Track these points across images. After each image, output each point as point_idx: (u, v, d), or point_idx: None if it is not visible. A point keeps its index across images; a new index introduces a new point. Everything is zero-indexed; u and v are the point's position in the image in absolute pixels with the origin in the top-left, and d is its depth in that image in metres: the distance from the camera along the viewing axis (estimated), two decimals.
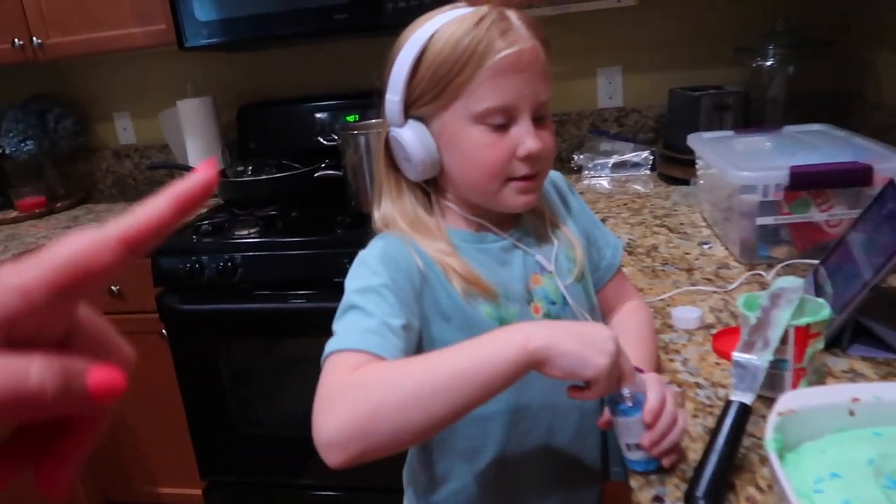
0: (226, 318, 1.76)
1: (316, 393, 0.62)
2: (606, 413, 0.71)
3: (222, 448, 1.89)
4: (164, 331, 1.80)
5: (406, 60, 0.75)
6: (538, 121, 0.76)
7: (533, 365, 0.59)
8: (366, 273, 0.74)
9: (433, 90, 0.74)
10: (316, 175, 1.89)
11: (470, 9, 0.75)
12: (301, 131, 2.17)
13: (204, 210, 2.05)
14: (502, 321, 0.80)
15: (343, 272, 1.60)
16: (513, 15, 0.75)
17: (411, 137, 0.76)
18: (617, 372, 0.62)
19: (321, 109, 2.17)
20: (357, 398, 0.59)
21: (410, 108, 0.77)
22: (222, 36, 1.87)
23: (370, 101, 2.08)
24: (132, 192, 2.49)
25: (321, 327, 1.67)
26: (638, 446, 0.67)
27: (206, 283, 1.72)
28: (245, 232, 1.78)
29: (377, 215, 0.83)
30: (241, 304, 1.72)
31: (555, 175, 0.93)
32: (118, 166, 2.50)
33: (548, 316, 0.83)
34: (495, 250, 0.82)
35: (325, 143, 1.93)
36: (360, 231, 1.70)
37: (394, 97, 0.77)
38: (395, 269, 0.74)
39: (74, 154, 2.48)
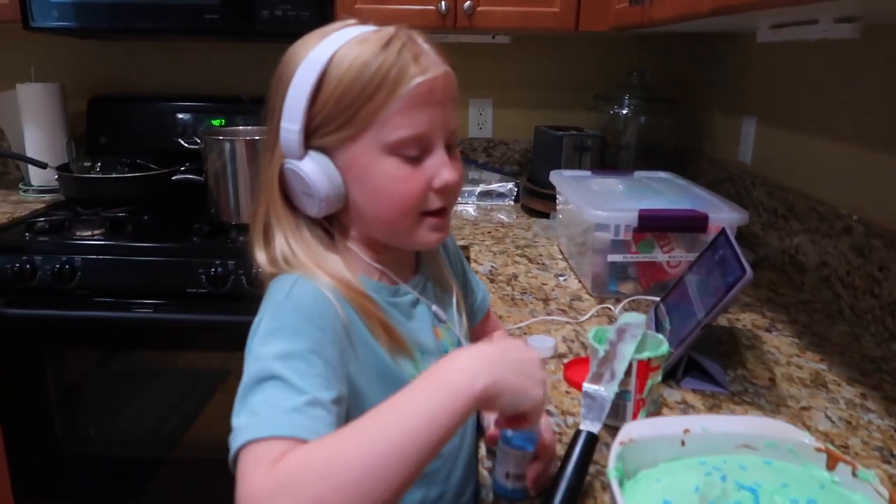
0: (58, 325, 1.60)
1: (237, 495, 0.50)
2: (492, 430, 0.70)
3: (43, 468, 1.71)
4: None
5: (304, 84, 0.66)
6: (449, 150, 0.71)
7: (480, 406, 0.56)
8: (286, 332, 0.61)
9: (339, 118, 0.67)
10: (174, 178, 1.78)
11: (370, 28, 0.69)
12: (160, 131, 2.04)
13: (41, 206, 1.87)
14: None
15: (198, 283, 1.56)
16: (419, 38, 0.70)
17: (314, 171, 0.68)
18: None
19: (184, 110, 2.06)
20: (298, 494, 0.48)
21: (311, 138, 0.68)
22: (76, 20, 1.73)
23: (236, 106, 2.04)
24: None
25: (170, 340, 1.60)
26: (518, 477, 0.69)
27: (37, 285, 1.56)
28: (88, 233, 1.64)
29: (263, 256, 0.71)
30: (77, 312, 1.57)
31: None
32: None
33: None
34: (405, 304, 0.77)
35: (186, 145, 1.83)
36: (218, 240, 1.62)
37: (292, 126, 0.67)
38: (319, 328, 0.62)
39: None
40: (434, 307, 0.80)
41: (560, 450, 0.77)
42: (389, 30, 0.68)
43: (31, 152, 1.95)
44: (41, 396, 1.66)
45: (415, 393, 0.54)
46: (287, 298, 0.64)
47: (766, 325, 1.15)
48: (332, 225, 0.73)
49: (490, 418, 0.81)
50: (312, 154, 0.69)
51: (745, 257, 0.92)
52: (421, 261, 0.82)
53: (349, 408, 0.64)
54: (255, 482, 0.50)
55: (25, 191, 2.01)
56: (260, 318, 0.63)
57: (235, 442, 0.53)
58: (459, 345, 0.81)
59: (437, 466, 0.77)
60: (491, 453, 0.78)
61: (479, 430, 0.85)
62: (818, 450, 0.65)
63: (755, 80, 1.66)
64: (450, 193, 0.72)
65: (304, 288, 0.66)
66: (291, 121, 0.67)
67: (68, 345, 1.66)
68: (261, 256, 0.71)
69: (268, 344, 0.60)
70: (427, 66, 0.67)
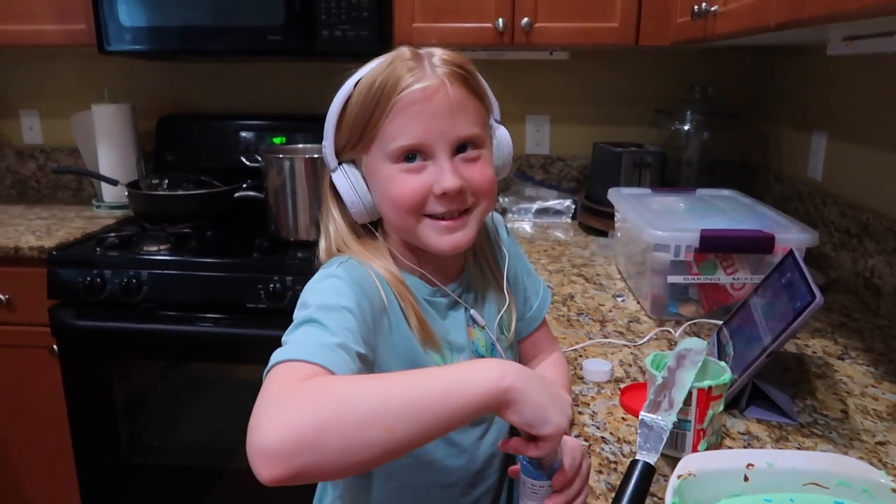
0: (125, 337, 1.66)
1: (258, 398, 0.56)
2: (516, 465, 0.70)
3: (109, 476, 1.76)
4: (55, 346, 1.68)
5: (334, 109, 0.77)
6: (466, 155, 0.75)
7: (500, 404, 0.58)
8: (331, 291, 0.70)
9: (355, 135, 0.75)
10: (236, 195, 1.83)
11: (394, 52, 0.76)
12: (223, 149, 2.11)
13: (112, 222, 1.95)
14: None
15: (257, 298, 1.59)
16: (436, 53, 0.75)
17: (342, 182, 0.78)
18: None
19: (246, 128, 2.12)
20: (310, 406, 0.53)
21: (343, 154, 0.78)
22: (148, 44, 1.80)
23: (298, 124, 2.08)
24: (33, 194, 2.34)
25: (229, 353, 1.63)
26: None
27: (106, 298, 1.63)
28: (154, 248, 1.70)
29: (323, 243, 0.81)
30: (144, 324, 1.63)
31: (498, 219, 0.94)
32: (20, 166, 2.34)
33: None
34: (442, 305, 0.83)
35: (247, 163, 1.88)
36: (277, 256, 1.66)
37: (325, 143, 0.79)
38: (361, 296, 0.71)
39: None
40: (472, 311, 0.85)
41: (615, 479, 0.74)
42: (400, 49, 0.75)
43: (103, 170, 2.04)
44: (108, 405, 1.71)
45: (444, 369, 0.61)
46: (337, 269, 0.74)
47: (838, 352, 1.09)
48: (376, 229, 0.82)
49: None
50: (344, 167, 0.78)
51: (814, 281, 0.87)
52: (466, 266, 0.86)
53: None
54: (282, 388, 0.57)
55: (98, 206, 2.10)
56: (312, 279, 0.73)
57: (272, 360, 0.61)
58: (493, 347, 0.86)
59: (453, 453, 0.83)
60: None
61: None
62: None
63: (825, 94, 1.59)
64: (455, 199, 0.74)
65: (352, 266, 0.75)
66: (326, 139, 0.79)
67: (134, 356, 1.71)
68: (321, 244, 0.81)
69: (313, 297, 0.69)
70: (421, 76, 0.72)
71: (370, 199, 0.78)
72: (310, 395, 0.54)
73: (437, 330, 0.80)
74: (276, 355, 0.61)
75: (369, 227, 0.82)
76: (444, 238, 0.76)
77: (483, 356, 0.85)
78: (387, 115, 0.72)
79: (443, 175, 0.73)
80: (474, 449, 0.85)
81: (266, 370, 0.60)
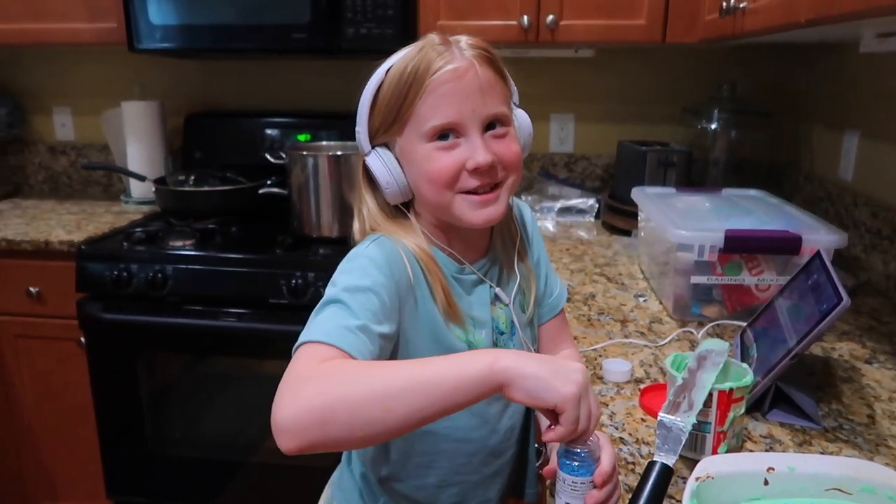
0: (150, 330, 1.69)
1: (284, 375, 0.63)
2: (553, 462, 0.69)
3: (133, 466, 1.80)
4: (82, 339, 1.71)
5: (367, 94, 0.80)
6: (494, 132, 0.79)
7: (497, 385, 0.60)
8: (358, 271, 0.75)
9: (389, 118, 0.79)
10: (260, 192, 1.85)
11: (423, 39, 0.80)
12: (249, 145, 2.13)
13: (139, 217, 1.98)
14: (471, 345, 0.85)
15: (280, 294, 1.61)
16: (462, 38, 0.79)
17: (376, 164, 0.81)
18: (587, 407, 0.61)
19: (272, 126, 2.14)
20: (320, 387, 0.60)
21: (376, 137, 0.82)
22: (176, 42, 1.83)
23: (322, 121, 2.10)
24: (65, 190, 2.39)
25: (252, 348, 1.65)
26: None
27: (132, 292, 1.66)
28: (180, 243, 1.72)
29: (357, 225, 0.85)
30: (168, 318, 1.65)
31: (523, 205, 0.99)
32: (53, 162, 2.39)
33: (495, 345, 0.87)
34: (468, 282, 0.87)
35: (272, 160, 1.89)
36: (300, 253, 1.67)
37: (359, 128, 0.83)
38: (387, 275, 0.75)
39: (6, 145, 2.36)
40: (497, 289, 0.88)
41: (633, 480, 0.73)
42: (429, 36, 0.79)
43: (132, 166, 2.08)
44: (133, 397, 1.75)
45: (447, 357, 0.63)
46: (367, 248, 0.79)
47: (866, 355, 1.06)
48: (408, 210, 0.86)
49: (543, 424, 0.86)
50: (378, 150, 0.82)
51: (841, 283, 0.85)
52: (492, 244, 0.90)
53: (399, 353, 0.78)
54: (302, 368, 0.64)
55: (126, 202, 2.14)
56: (344, 258, 0.79)
57: (301, 339, 0.68)
58: (512, 324, 0.90)
59: (474, 424, 0.87)
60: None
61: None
62: None
63: (858, 93, 1.55)
64: (487, 173, 0.78)
65: (382, 243, 0.80)
66: (359, 124, 0.83)
67: (159, 349, 1.74)
68: (355, 225, 0.86)
69: (341, 278, 0.75)
70: (451, 58, 0.76)
71: (404, 180, 0.82)
72: (322, 378, 0.62)
73: (462, 305, 0.84)
74: (304, 334, 0.68)
75: (402, 209, 0.86)
76: (477, 212, 0.80)
77: (503, 332, 0.89)
78: (420, 96, 0.76)
79: (475, 151, 0.77)
80: (496, 421, 0.89)
81: (295, 347, 0.67)
